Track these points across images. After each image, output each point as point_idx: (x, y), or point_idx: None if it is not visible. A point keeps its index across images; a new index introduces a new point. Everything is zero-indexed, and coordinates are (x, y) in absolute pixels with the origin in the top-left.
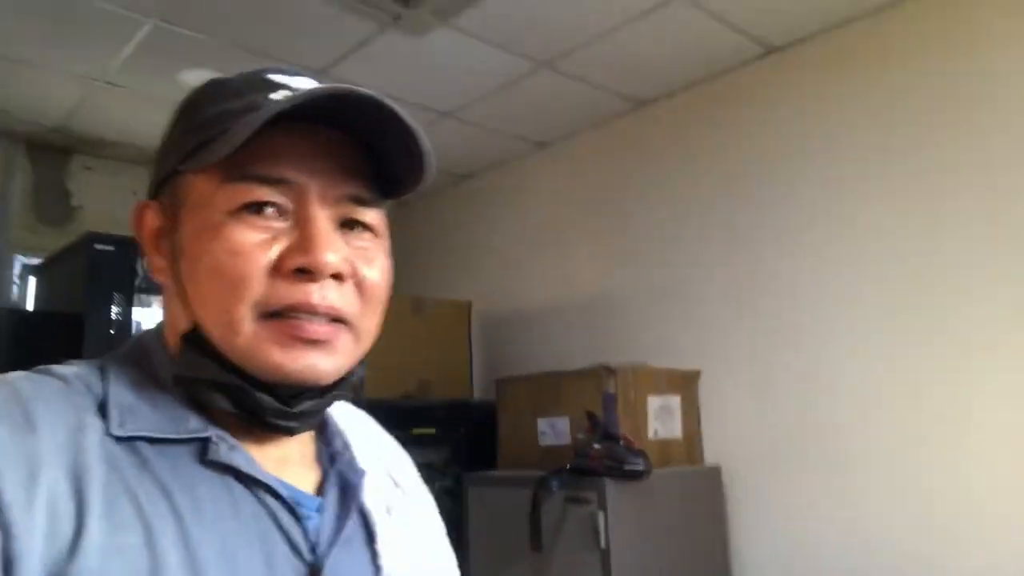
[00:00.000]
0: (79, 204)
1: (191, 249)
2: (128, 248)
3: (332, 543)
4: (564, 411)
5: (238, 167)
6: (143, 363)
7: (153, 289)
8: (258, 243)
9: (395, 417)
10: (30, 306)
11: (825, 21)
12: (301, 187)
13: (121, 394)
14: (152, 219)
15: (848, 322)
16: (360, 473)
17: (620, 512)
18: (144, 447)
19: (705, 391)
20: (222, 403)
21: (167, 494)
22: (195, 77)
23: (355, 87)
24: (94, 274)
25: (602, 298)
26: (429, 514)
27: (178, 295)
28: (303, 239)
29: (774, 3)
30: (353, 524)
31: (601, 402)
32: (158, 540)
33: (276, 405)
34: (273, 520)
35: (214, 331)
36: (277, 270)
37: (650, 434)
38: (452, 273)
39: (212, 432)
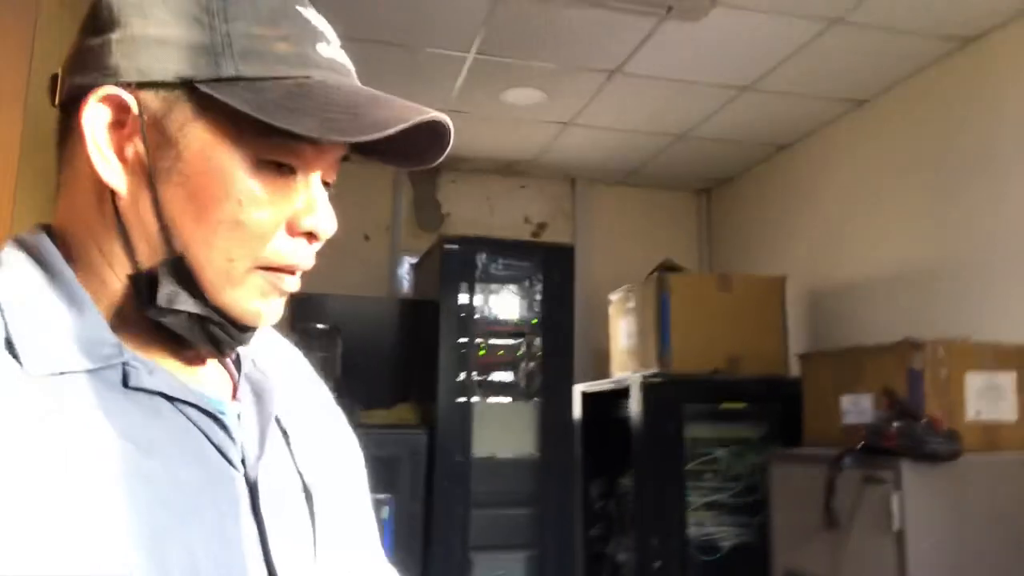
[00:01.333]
0: (447, 211)
1: (196, 176)
2: (471, 247)
3: (261, 451)
4: (867, 388)
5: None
6: (37, 280)
7: (491, 279)
8: (280, 201)
9: (703, 391)
10: (412, 295)
11: None
12: (320, 153)
13: (26, 325)
14: (118, 113)
15: None
16: (268, 377)
17: (919, 495)
18: (62, 381)
19: None
20: (195, 336)
21: (94, 429)
22: (517, 95)
23: (439, 116)
24: (445, 268)
25: (928, 267)
26: (325, 405)
27: (150, 215)
28: (315, 204)
29: None
30: (273, 428)
31: (906, 379)
32: (87, 482)
33: (239, 337)
34: (205, 436)
35: (206, 270)
36: (289, 229)
37: (969, 415)
38: (768, 248)
39: (128, 356)
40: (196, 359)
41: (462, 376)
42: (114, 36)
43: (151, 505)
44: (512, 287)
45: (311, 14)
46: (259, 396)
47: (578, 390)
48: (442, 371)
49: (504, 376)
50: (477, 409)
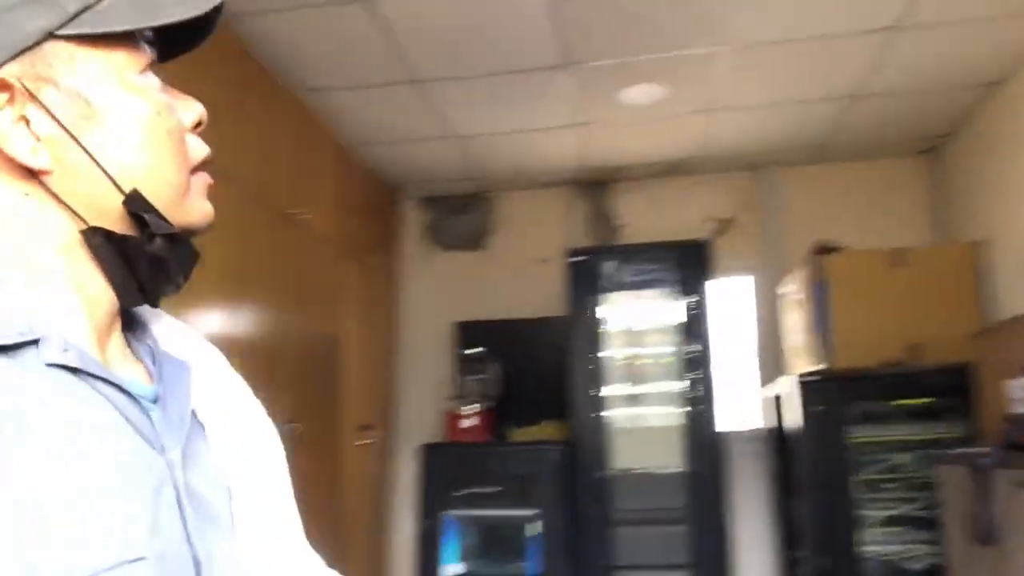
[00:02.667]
0: (622, 223)
1: (109, 115)
2: (594, 257)
3: (181, 435)
4: None
5: (136, 29)
6: None
7: (623, 286)
8: (170, 103)
9: (874, 387)
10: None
11: None
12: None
13: None
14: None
15: None
16: (183, 363)
17: None
18: None
19: None
20: (152, 271)
21: (14, 409)
22: (634, 94)
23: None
24: (571, 281)
25: None
26: (241, 395)
27: (90, 172)
28: (180, 96)
29: None
30: (190, 416)
31: None
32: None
33: (193, 257)
34: (124, 416)
35: (157, 192)
36: (185, 127)
37: None
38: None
39: (41, 333)
40: (102, 334)
41: (598, 389)
42: None
43: (82, 486)
44: (647, 292)
45: None
46: (175, 383)
47: (759, 394)
48: (576, 385)
49: (645, 387)
50: (615, 422)
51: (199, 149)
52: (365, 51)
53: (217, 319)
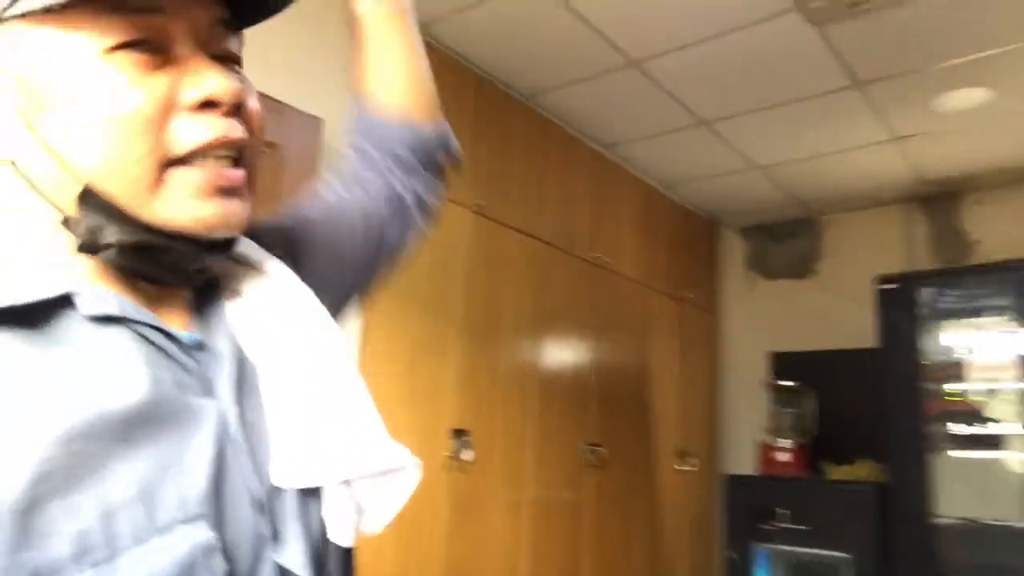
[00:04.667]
0: (976, 239)
1: (58, 102)
2: (910, 282)
3: (230, 382)
4: None
5: (96, 1)
6: None
7: (937, 315)
8: (150, 81)
9: None
10: None
11: None
12: (173, 15)
13: None
14: None
15: None
16: (220, 302)
17: None
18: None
19: None
20: (137, 265)
21: (37, 368)
22: (956, 100)
23: None
24: (883, 311)
25: None
26: (282, 285)
27: (44, 162)
28: (197, 70)
29: None
30: (242, 359)
31: None
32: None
33: (198, 255)
34: (168, 363)
35: (115, 189)
36: (173, 108)
37: None
38: None
39: (72, 288)
40: (158, 299)
41: (922, 427)
42: None
43: (107, 428)
44: (985, 319)
45: None
46: (218, 326)
47: None
48: (891, 422)
49: (979, 426)
50: (942, 464)
51: (194, 133)
52: (647, 105)
53: (521, 352)
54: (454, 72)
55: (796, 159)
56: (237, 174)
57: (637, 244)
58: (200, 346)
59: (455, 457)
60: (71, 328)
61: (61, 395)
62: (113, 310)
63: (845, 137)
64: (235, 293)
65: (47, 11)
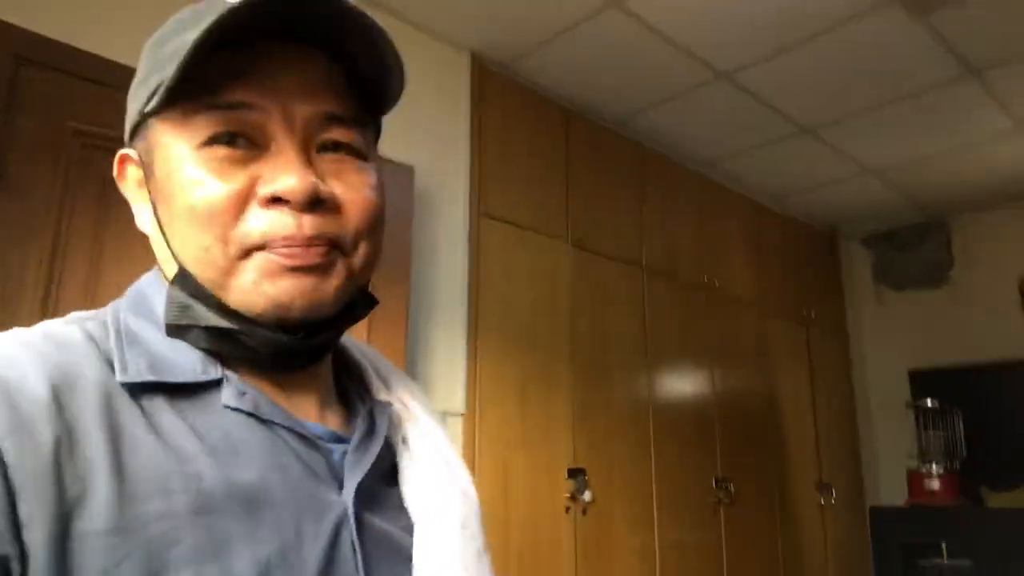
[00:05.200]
0: None
1: (164, 191)
2: None
3: (362, 476)
4: None
5: (198, 98)
6: (143, 310)
7: None
8: (226, 174)
9: None
10: None
11: None
12: (266, 110)
13: (127, 340)
14: (133, 169)
15: None
16: (382, 405)
17: None
18: (153, 394)
19: None
20: (223, 348)
21: (180, 435)
22: None
23: None
24: None
25: None
26: (440, 441)
27: (160, 241)
28: (274, 166)
29: None
30: (379, 456)
31: None
32: (172, 487)
33: (282, 341)
34: (297, 457)
35: (200, 273)
36: (248, 201)
37: None
38: None
39: (220, 374)
40: (282, 376)
41: None
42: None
43: (228, 512)
44: None
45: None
46: (368, 423)
47: None
48: None
49: None
50: None
51: (262, 226)
52: (743, 117)
53: (632, 386)
54: (540, 107)
55: (913, 159)
56: (310, 251)
57: (748, 264)
58: (337, 439)
59: (574, 498)
60: (218, 406)
61: (201, 466)
62: (246, 407)
63: (965, 131)
64: (382, 403)
65: (157, 112)
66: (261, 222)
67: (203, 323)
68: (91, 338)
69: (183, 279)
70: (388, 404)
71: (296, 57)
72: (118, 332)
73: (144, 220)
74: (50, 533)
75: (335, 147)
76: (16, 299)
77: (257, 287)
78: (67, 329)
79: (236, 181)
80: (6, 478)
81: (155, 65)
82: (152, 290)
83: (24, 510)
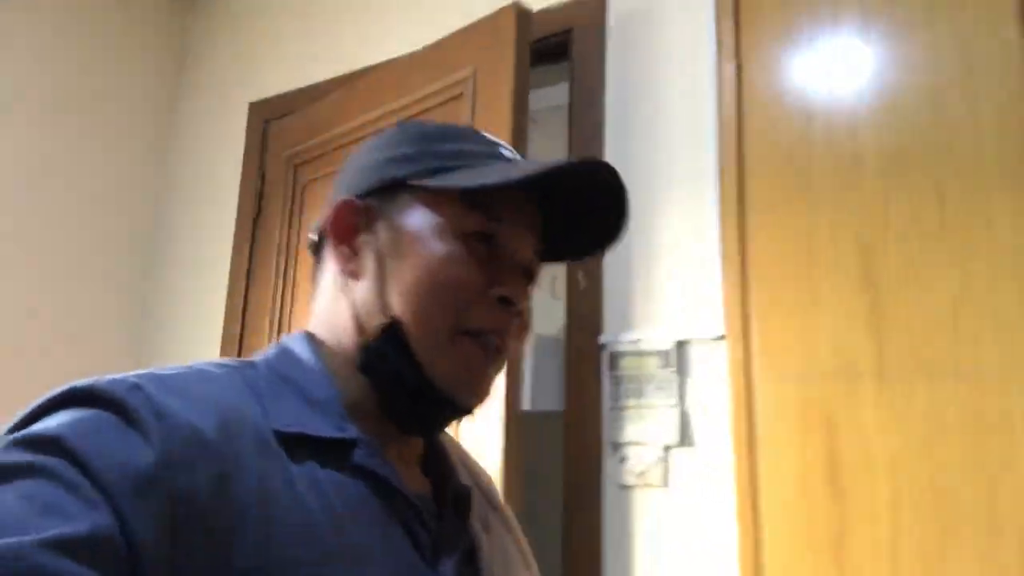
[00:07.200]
0: None
1: (409, 251)
2: None
3: (453, 553)
4: None
5: (474, 199)
6: (289, 368)
7: None
8: (477, 267)
9: None
10: None
11: None
12: (518, 232)
13: (280, 393)
14: (353, 216)
15: None
16: (468, 487)
17: None
18: (295, 444)
19: None
20: (403, 407)
21: (313, 488)
22: None
23: (599, 161)
24: None
25: None
26: (517, 532)
27: (374, 289)
28: (512, 274)
29: None
30: (467, 536)
31: None
32: (315, 526)
33: (447, 414)
34: (404, 522)
35: (414, 330)
36: (483, 294)
37: None
38: None
39: (357, 435)
40: (400, 439)
41: None
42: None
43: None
44: None
45: (491, 136)
46: (458, 502)
47: None
48: None
49: None
50: None
51: (487, 317)
52: None
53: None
54: None
55: None
56: (501, 359)
57: None
58: (438, 514)
59: None
60: (348, 462)
61: (323, 519)
62: (379, 469)
63: None
64: (468, 478)
65: (439, 192)
66: (486, 315)
67: (400, 370)
68: (248, 384)
69: (393, 331)
70: (470, 487)
71: (528, 194)
72: (270, 383)
73: (351, 261)
74: (205, 561)
75: (530, 275)
76: (259, 320)
77: (458, 370)
78: (229, 372)
79: (480, 276)
80: (174, 515)
81: (429, 152)
82: (299, 348)
83: (182, 539)
